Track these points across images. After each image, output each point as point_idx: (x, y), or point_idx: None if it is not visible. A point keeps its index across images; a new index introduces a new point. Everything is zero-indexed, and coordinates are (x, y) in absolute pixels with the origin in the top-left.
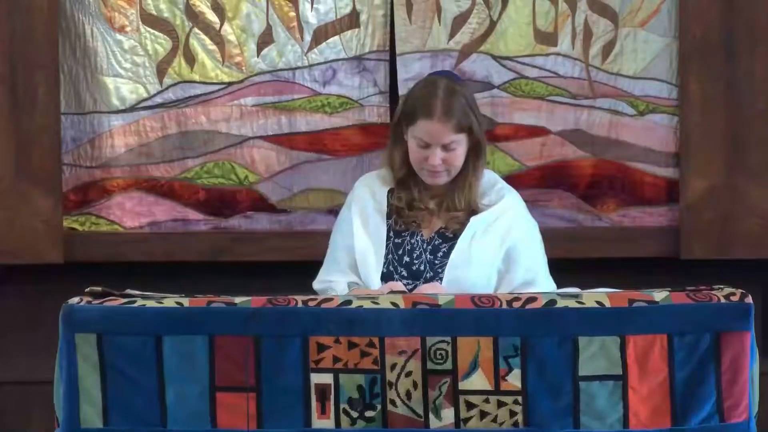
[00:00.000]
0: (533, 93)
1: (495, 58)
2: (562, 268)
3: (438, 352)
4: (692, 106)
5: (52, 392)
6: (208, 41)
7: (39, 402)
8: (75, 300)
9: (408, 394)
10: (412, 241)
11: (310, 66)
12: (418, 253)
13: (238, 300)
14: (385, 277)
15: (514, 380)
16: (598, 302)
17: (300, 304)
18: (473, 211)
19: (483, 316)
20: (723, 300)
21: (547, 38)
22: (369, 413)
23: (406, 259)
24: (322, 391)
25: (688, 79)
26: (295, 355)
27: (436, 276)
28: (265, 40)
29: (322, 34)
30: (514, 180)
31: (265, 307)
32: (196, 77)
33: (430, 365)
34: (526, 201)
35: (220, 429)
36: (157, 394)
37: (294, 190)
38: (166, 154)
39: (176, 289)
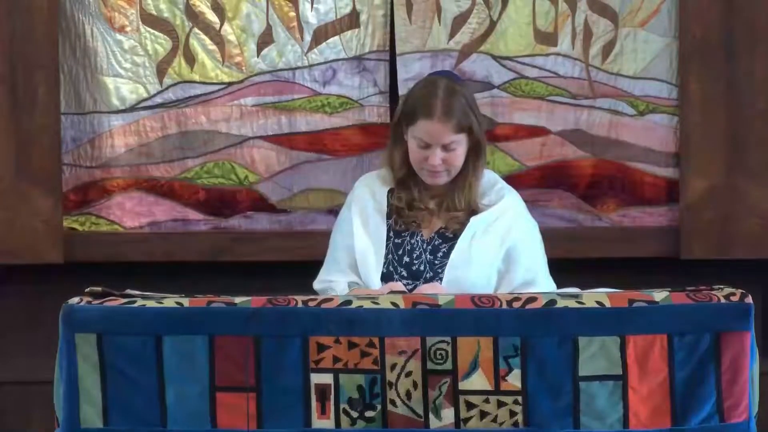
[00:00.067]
0: (533, 93)
1: (495, 58)
2: (562, 268)
3: (438, 352)
4: (692, 106)
5: (52, 392)
6: (208, 41)
7: (39, 402)
8: (75, 300)
9: (408, 394)
10: (412, 241)
11: (310, 66)
12: (418, 253)
13: (238, 300)
14: (385, 277)
15: (514, 380)
16: (598, 302)
17: (300, 304)
18: (473, 211)
19: (483, 316)
20: (723, 300)
21: (547, 38)
22: (369, 413)
23: (406, 259)
24: (322, 391)
25: (688, 79)
26: (295, 355)
27: (436, 276)
28: (265, 40)
29: (322, 34)
30: (514, 180)
31: (265, 307)
32: (196, 77)
33: (430, 365)
34: (526, 201)
35: (220, 429)
36: (157, 394)
37: (294, 190)
38: (166, 154)
39: (176, 289)
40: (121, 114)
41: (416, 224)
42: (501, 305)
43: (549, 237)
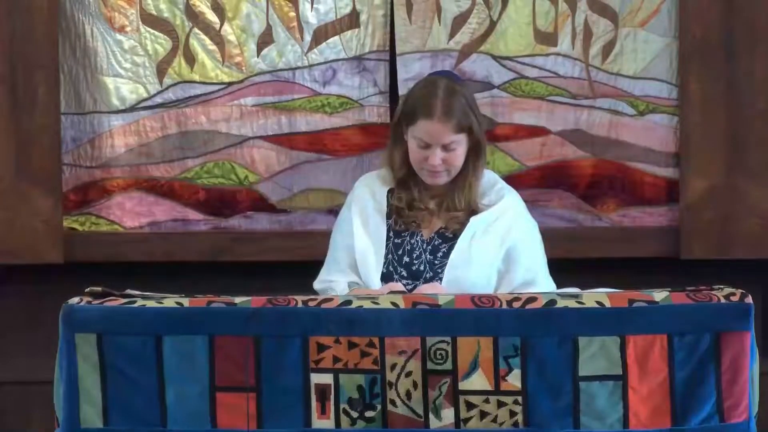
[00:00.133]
0: (533, 93)
1: (495, 58)
2: (562, 268)
3: (438, 352)
4: (692, 106)
5: (52, 392)
6: (208, 41)
7: (39, 402)
8: (75, 300)
9: (408, 394)
10: (412, 241)
11: (310, 66)
12: (417, 253)
13: (238, 300)
14: (385, 278)
15: (514, 380)
16: (598, 302)
17: (300, 304)
18: (473, 211)
19: (483, 316)
20: (723, 300)
21: (547, 38)
22: (369, 413)
23: (406, 259)
24: (322, 391)
25: (688, 79)
26: (295, 355)
27: (436, 276)
28: (265, 40)
29: (322, 34)
30: (514, 180)
31: (265, 307)
32: (196, 77)
33: (430, 365)
34: (526, 201)
35: (220, 429)
36: (157, 394)
37: (294, 190)
38: (166, 154)
39: (176, 289)
40: (121, 114)
41: (416, 224)
42: (501, 305)
43: (549, 237)
